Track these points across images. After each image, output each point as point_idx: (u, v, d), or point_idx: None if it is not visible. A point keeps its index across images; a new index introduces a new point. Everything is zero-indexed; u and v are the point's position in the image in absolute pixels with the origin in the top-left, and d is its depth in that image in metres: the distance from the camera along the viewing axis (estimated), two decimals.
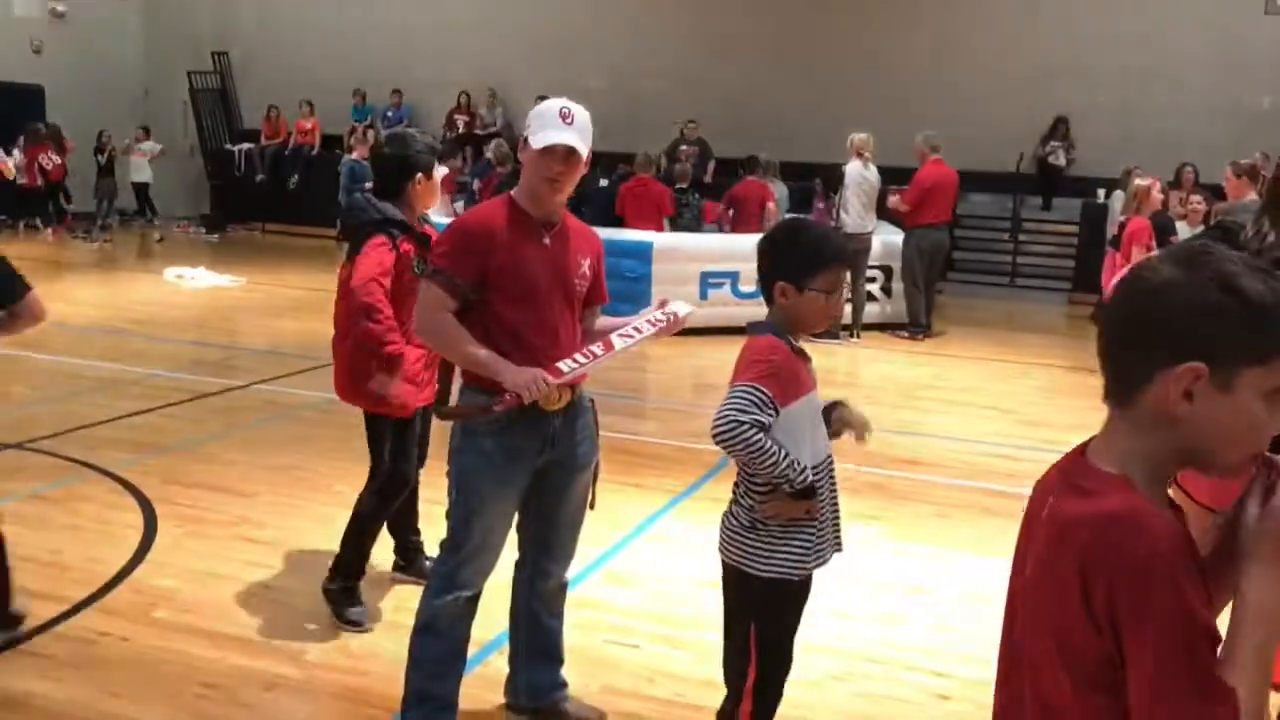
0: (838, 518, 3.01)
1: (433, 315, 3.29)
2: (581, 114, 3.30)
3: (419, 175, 4.24)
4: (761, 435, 2.72)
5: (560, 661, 3.70)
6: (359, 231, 4.21)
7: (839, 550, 3.02)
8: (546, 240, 3.33)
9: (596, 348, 3.31)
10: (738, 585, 2.92)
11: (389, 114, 18.32)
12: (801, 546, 2.86)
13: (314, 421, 7.26)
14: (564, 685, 3.69)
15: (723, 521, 2.97)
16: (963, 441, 7.45)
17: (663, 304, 3.53)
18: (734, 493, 2.96)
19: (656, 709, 3.79)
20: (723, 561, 2.96)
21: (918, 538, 5.55)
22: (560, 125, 3.25)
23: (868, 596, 4.74)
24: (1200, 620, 1.34)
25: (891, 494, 6.16)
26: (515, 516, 3.50)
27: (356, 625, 4.28)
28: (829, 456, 2.96)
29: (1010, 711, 1.60)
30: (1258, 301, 1.37)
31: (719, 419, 2.72)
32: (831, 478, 2.97)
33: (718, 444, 2.75)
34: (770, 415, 2.74)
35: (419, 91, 18.58)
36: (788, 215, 11.55)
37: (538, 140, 3.25)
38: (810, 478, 2.80)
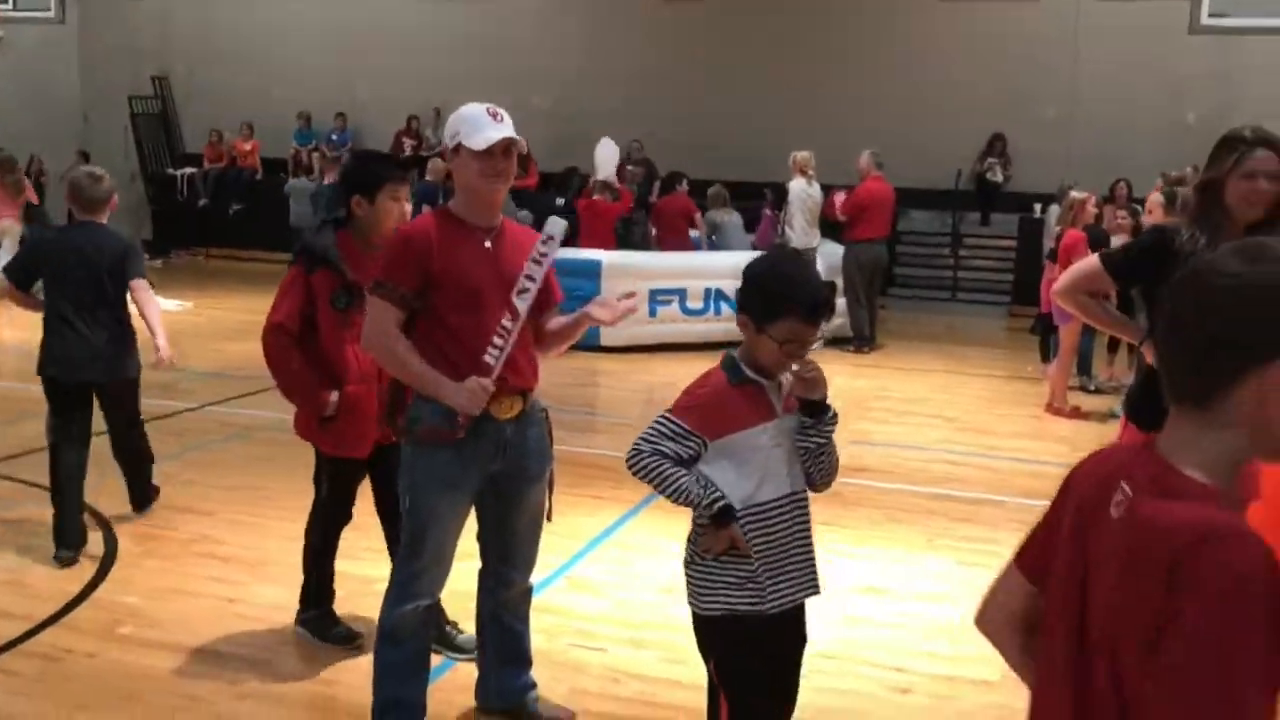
0: (809, 557, 2.90)
1: (378, 331, 3.31)
2: (504, 112, 3.34)
3: (356, 197, 4.00)
4: (662, 461, 2.72)
5: (528, 663, 3.77)
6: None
7: (814, 592, 2.92)
8: (487, 244, 3.36)
9: (505, 321, 3.30)
10: (693, 622, 2.90)
11: (333, 137, 18.29)
12: (735, 582, 2.77)
13: (268, 441, 7.26)
14: (533, 686, 3.76)
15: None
16: (909, 449, 7.63)
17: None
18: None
19: (624, 707, 3.87)
20: None
21: (871, 541, 5.69)
22: (493, 123, 3.29)
23: (827, 598, 4.80)
24: (1255, 668, 1.32)
25: (843, 500, 6.27)
26: (476, 526, 3.57)
27: (348, 642, 4.23)
28: (791, 494, 2.85)
29: (1059, 708, 1.57)
30: None
31: (630, 448, 2.79)
32: (799, 516, 2.87)
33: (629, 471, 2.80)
34: (688, 446, 2.73)
35: (364, 114, 18.59)
36: (775, 244, 11.75)
37: (476, 141, 3.26)
38: (722, 504, 2.71)
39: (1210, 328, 1.43)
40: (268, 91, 18.66)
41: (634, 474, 2.79)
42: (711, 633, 2.85)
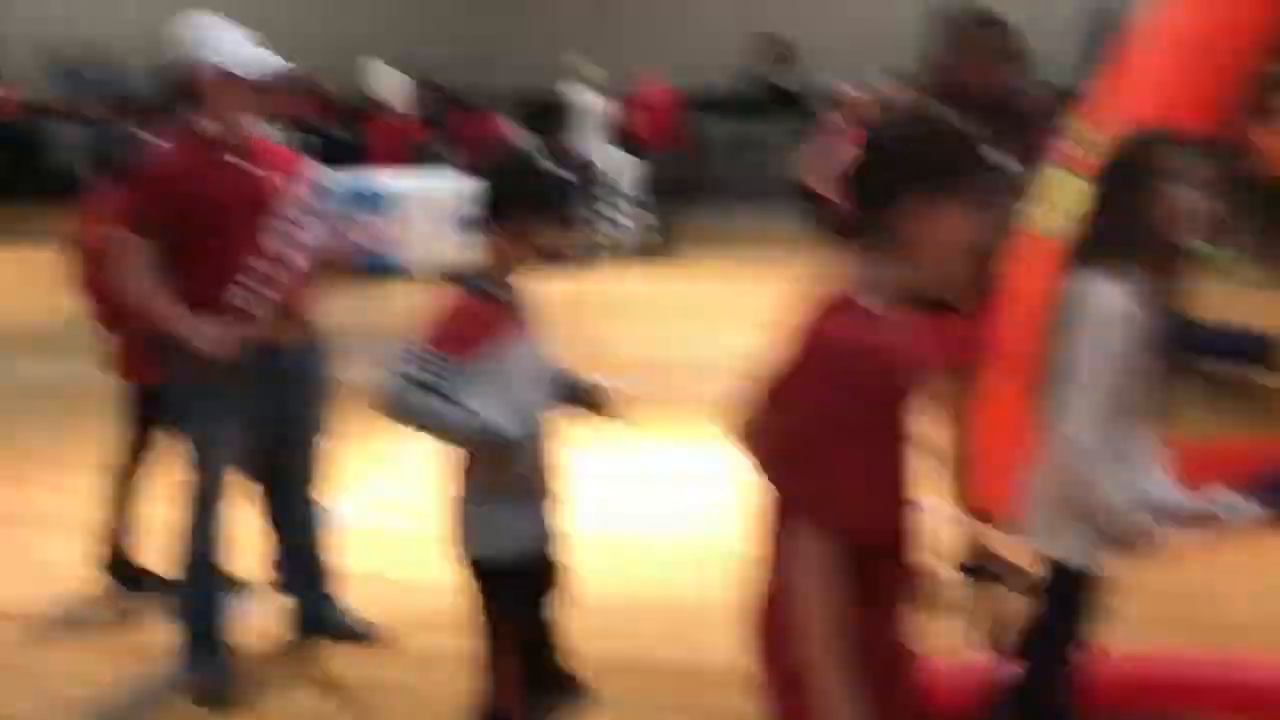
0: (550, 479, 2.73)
1: (124, 267, 3.23)
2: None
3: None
4: (419, 397, 2.46)
5: (328, 582, 3.79)
6: None
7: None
8: (235, 160, 3.30)
9: (254, 261, 3.27)
10: (471, 570, 2.64)
11: (100, 77, 17.15)
12: (527, 517, 2.63)
13: (26, 396, 6.96)
14: (335, 602, 3.79)
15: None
16: (715, 350, 7.86)
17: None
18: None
19: (435, 617, 3.92)
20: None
21: (676, 434, 5.91)
22: (249, 45, 3.26)
23: (632, 488, 5.04)
24: (846, 450, 1.70)
25: (657, 401, 6.43)
26: (260, 456, 3.55)
27: (154, 589, 4.07)
28: (548, 417, 2.69)
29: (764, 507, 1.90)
30: (955, 132, 1.74)
31: (379, 391, 2.52)
32: (550, 439, 2.71)
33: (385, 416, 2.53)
34: (442, 375, 2.48)
35: (123, 45, 17.37)
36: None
37: (238, 66, 3.21)
38: (495, 428, 2.50)
39: (868, 177, 1.77)
40: (18, 33, 17.35)
41: (390, 417, 2.49)
42: (496, 579, 2.60)
